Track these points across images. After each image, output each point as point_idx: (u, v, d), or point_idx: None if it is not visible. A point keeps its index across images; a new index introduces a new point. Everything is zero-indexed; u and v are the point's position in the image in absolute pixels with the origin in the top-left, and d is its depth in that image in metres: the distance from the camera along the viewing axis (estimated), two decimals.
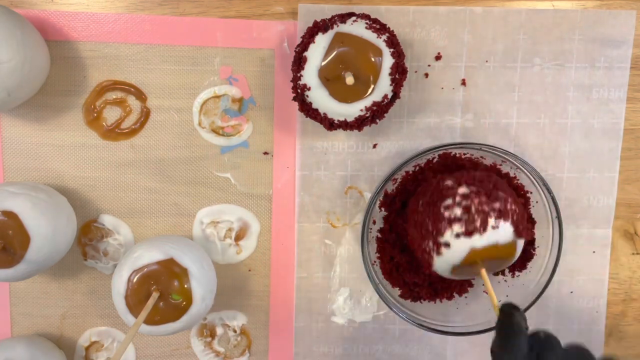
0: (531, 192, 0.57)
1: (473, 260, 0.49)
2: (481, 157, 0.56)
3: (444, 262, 0.50)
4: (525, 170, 0.55)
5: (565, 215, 0.59)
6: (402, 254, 0.57)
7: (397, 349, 0.61)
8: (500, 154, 0.55)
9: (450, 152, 0.56)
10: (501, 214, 0.49)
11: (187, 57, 0.56)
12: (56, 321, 0.60)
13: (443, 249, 0.49)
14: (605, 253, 0.61)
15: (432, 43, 0.56)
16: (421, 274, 0.57)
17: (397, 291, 0.58)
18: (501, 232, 0.49)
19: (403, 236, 0.57)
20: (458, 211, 0.49)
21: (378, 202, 0.57)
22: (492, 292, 0.48)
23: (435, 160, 0.56)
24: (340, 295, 0.60)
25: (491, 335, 0.56)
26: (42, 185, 0.54)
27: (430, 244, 0.50)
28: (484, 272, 0.50)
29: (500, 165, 0.57)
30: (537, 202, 0.57)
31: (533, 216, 0.57)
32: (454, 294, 0.59)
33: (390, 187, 0.57)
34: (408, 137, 0.58)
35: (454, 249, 0.49)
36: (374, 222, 0.57)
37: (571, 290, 0.61)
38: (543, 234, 0.57)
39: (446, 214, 0.50)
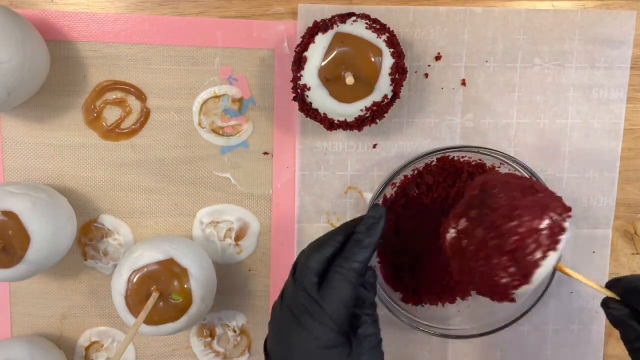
0: None
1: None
2: (479, 159, 0.56)
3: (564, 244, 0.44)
4: (524, 173, 0.55)
5: None
6: (403, 257, 0.57)
7: (397, 349, 0.61)
8: (499, 157, 0.55)
9: (449, 156, 0.56)
10: None
11: (187, 57, 0.56)
12: (56, 321, 0.60)
13: (566, 223, 0.44)
14: (605, 253, 0.61)
15: (432, 43, 0.56)
16: (422, 277, 0.57)
17: (398, 295, 0.58)
18: None
19: (403, 240, 0.57)
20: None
21: None
22: (585, 279, 0.46)
23: (433, 163, 0.56)
24: None
25: (491, 337, 0.56)
26: (42, 185, 0.54)
27: (559, 215, 0.44)
28: (567, 269, 0.46)
29: (499, 167, 0.57)
30: None
31: None
32: (456, 297, 0.59)
33: (390, 191, 0.57)
34: (408, 137, 0.58)
35: (567, 234, 0.44)
36: None
37: (571, 290, 0.61)
38: None
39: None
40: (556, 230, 0.43)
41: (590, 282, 0.46)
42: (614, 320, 0.45)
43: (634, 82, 0.58)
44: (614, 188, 0.60)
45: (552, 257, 0.44)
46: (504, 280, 0.45)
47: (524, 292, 0.45)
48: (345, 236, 0.46)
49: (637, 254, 0.61)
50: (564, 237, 0.44)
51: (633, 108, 0.59)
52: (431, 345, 0.61)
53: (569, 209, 0.45)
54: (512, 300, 0.46)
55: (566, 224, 0.44)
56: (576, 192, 0.59)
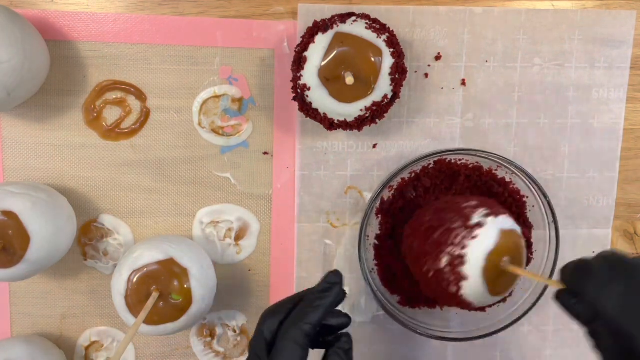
0: (527, 197, 0.57)
1: (505, 246, 0.47)
2: (476, 162, 0.56)
3: (478, 252, 0.47)
4: (521, 175, 0.55)
5: (565, 215, 0.59)
6: (400, 260, 0.57)
7: (397, 349, 0.61)
8: (496, 160, 0.55)
9: (446, 159, 0.56)
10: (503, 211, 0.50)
11: (187, 57, 0.56)
12: (56, 321, 0.60)
13: (477, 231, 0.47)
14: None
15: (432, 43, 0.56)
16: None
17: (395, 298, 0.58)
18: (510, 220, 0.49)
19: (401, 243, 0.57)
20: (474, 202, 0.49)
21: (375, 209, 0.57)
22: (534, 274, 0.47)
23: (430, 166, 0.56)
24: None
25: (491, 337, 0.56)
26: (42, 185, 0.54)
27: (462, 232, 0.47)
28: (510, 267, 0.47)
29: (496, 170, 0.57)
30: (533, 206, 0.57)
31: (530, 220, 0.57)
32: None
33: (387, 194, 0.57)
34: (408, 137, 0.58)
35: (486, 229, 0.47)
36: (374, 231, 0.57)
37: None
38: (540, 237, 0.57)
39: (464, 204, 0.49)
40: (456, 262, 0.47)
41: (538, 277, 0.49)
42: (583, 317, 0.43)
43: (634, 82, 0.58)
44: (614, 188, 0.60)
45: (465, 284, 0.48)
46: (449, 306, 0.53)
47: (480, 302, 0.50)
48: (300, 300, 0.44)
49: (637, 254, 0.61)
50: (465, 267, 0.47)
51: (633, 108, 0.59)
52: (431, 345, 0.61)
53: (469, 222, 0.48)
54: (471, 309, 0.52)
55: (464, 251, 0.47)
56: (576, 192, 0.59)
